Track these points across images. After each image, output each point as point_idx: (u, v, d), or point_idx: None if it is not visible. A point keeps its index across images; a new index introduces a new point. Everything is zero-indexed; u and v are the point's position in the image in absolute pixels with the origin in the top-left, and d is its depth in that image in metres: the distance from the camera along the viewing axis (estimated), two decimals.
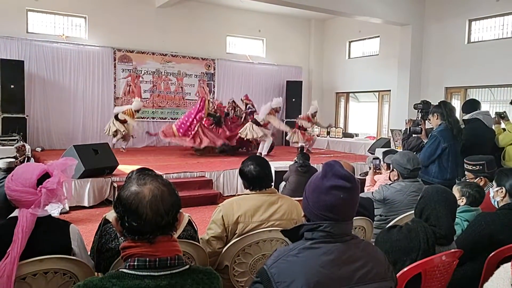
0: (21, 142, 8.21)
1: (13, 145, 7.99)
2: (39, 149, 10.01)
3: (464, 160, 3.93)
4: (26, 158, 7.49)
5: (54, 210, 6.15)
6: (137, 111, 10.28)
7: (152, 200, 1.33)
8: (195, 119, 9.73)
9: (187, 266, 1.40)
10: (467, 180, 3.71)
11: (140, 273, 1.32)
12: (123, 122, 9.97)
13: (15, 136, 8.75)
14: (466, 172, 3.91)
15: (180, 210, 1.44)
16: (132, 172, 2.35)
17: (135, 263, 1.33)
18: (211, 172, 7.77)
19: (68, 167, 2.37)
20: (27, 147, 7.84)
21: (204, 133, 9.71)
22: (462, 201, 3.07)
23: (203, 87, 12.69)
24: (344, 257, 1.59)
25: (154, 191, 1.35)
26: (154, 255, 1.34)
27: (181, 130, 9.73)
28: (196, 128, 9.67)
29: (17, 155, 7.15)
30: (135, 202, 1.33)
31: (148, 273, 1.32)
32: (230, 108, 10.74)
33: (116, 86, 11.43)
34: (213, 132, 9.97)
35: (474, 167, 3.80)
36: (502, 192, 2.91)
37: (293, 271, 1.53)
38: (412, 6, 11.14)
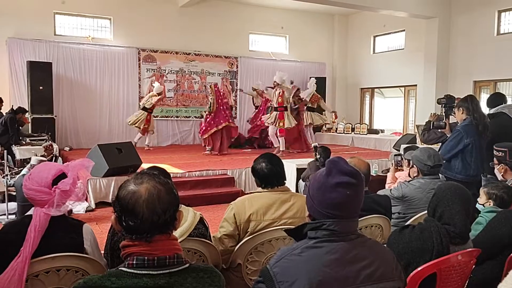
0: (49, 141, 8.46)
1: (42, 145, 8.24)
2: (67, 149, 10.28)
3: (494, 146, 3.83)
4: (53, 157, 7.71)
5: (79, 208, 6.34)
6: (159, 94, 10.34)
7: (149, 199, 1.34)
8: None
9: (187, 265, 1.40)
10: (491, 178, 3.59)
11: (138, 271, 1.33)
12: (151, 108, 10.25)
13: (44, 136, 8.99)
14: (494, 158, 3.80)
15: (180, 209, 1.44)
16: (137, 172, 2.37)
17: (134, 262, 1.34)
18: (233, 169, 7.77)
19: (85, 168, 2.41)
20: (55, 146, 8.06)
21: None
22: (489, 204, 2.96)
23: (226, 85, 12.73)
24: (348, 256, 1.55)
25: (151, 190, 1.35)
26: (152, 254, 1.34)
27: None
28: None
29: (45, 154, 7.37)
30: (132, 201, 1.34)
31: (146, 272, 1.33)
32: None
33: (141, 86, 11.60)
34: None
35: (497, 153, 3.71)
36: None
37: (295, 270, 1.51)
38: None
